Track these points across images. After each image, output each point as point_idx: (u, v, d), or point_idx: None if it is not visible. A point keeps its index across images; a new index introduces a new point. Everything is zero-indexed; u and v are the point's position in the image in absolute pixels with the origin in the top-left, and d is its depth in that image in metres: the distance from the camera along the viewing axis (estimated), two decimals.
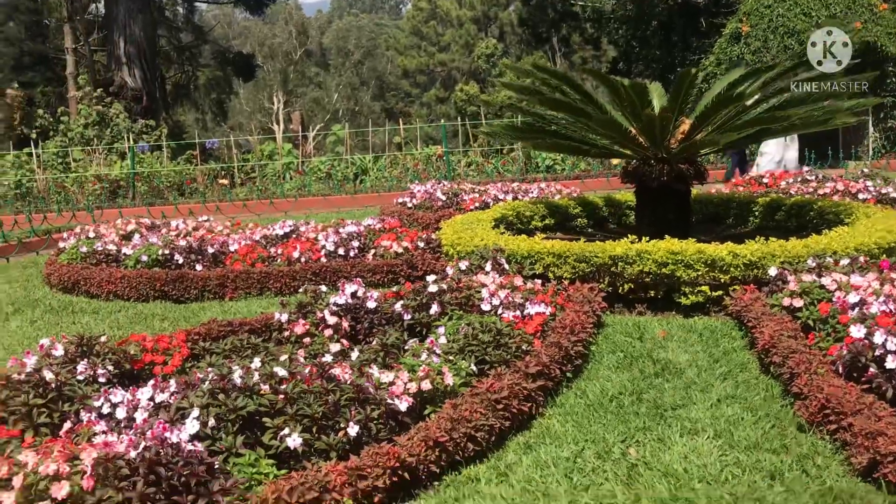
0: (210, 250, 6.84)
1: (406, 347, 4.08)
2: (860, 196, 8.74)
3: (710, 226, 7.71)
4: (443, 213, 9.03)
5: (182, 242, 6.93)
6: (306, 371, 3.50)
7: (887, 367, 3.55)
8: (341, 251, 6.85)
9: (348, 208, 12.76)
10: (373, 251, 6.86)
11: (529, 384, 3.87)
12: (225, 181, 15.38)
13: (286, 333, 4.73)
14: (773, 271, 5.10)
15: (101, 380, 3.88)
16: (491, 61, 64.55)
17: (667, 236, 5.50)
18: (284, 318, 4.77)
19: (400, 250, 6.77)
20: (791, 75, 5.88)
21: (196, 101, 45.75)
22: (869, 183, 9.27)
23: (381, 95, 71.84)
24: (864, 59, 15.64)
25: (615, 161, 16.28)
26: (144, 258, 6.85)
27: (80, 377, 3.79)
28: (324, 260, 6.78)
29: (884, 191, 8.87)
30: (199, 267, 6.70)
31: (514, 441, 3.64)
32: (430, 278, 4.96)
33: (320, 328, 4.70)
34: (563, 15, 48.57)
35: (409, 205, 9.85)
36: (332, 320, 4.68)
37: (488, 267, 5.41)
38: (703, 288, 5.28)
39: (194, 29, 39.56)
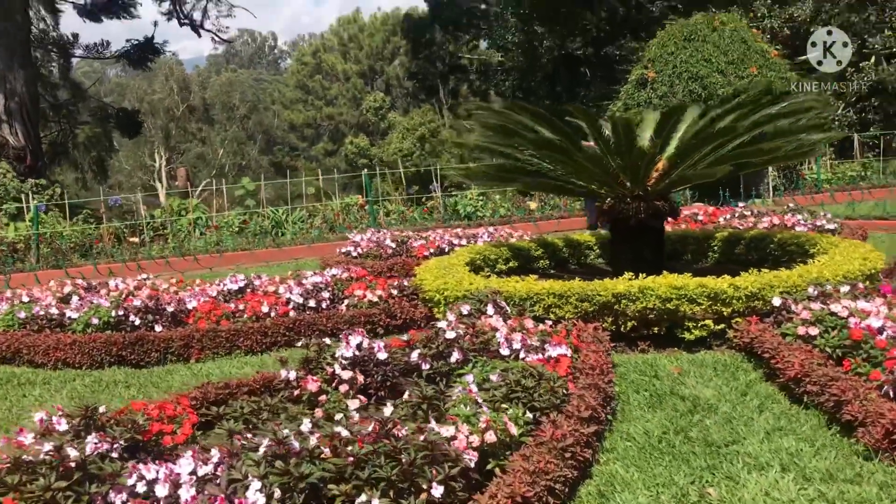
0: (169, 309, 6.33)
1: (453, 397, 3.80)
2: (797, 228, 9.05)
3: (670, 263, 7.75)
4: (394, 262, 8.76)
5: (137, 302, 6.38)
6: (367, 430, 3.18)
7: None
8: (312, 303, 6.48)
9: (277, 261, 12.27)
10: (346, 301, 6.53)
11: (586, 429, 3.66)
12: (135, 239, 14.57)
13: (296, 392, 4.35)
14: (776, 301, 5.12)
15: (114, 454, 3.43)
16: (379, 114, 65.13)
17: (665, 272, 5.46)
18: (293, 375, 4.40)
19: (375, 299, 6.47)
20: (759, 109, 6.00)
21: (76, 160, 43.73)
22: (799, 216, 9.65)
23: (269, 149, 71.06)
24: None
25: (533, 205, 16.51)
26: (95, 321, 6.26)
27: (94, 453, 3.32)
28: (293, 314, 6.39)
29: (818, 223, 9.23)
30: (158, 328, 6.19)
31: (585, 490, 3.43)
32: (442, 324, 4.72)
33: (333, 384, 4.36)
34: (451, 68, 49.75)
35: (354, 254, 9.53)
36: (345, 375, 4.35)
37: (490, 310, 5.21)
38: (707, 322, 5.25)
39: (72, 86, 37.88)
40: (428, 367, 4.45)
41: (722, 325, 5.29)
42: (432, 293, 5.97)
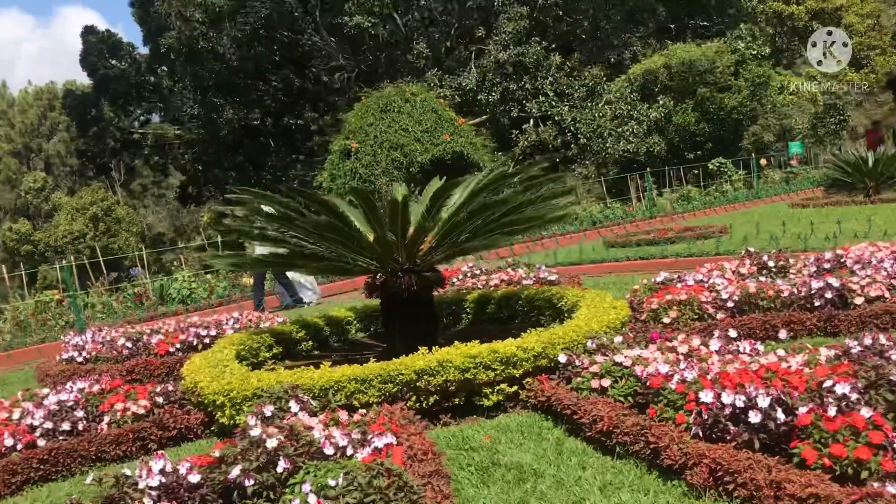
0: None
1: None
2: (524, 282, 9.71)
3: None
4: (134, 363, 7.91)
5: None
6: None
7: (751, 422, 3.99)
8: (65, 426, 5.63)
9: None
10: (106, 418, 5.77)
11: None
12: None
13: None
14: (563, 358, 5.43)
15: None
16: (42, 195, 59.51)
17: (456, 342, 5.54)
18: None
19: (140, 411, 5.79)
20: (507, 179, 6.42)
21: None
22: (521, 270, 10.38)
23: None
24: (454, 164, 17.72)
25: (251, 281, 16.02)
26: None
27: None
28: (42, 442, 5.51)
29: (541, 275, 9.99)
30: None
31: None
32: (255, 431, 4.33)
33: None
34: (124, 143, 47.08)
35: (80, 359, 8.46)
36: None
37: (294, 406, 4.90)
38: (503, 386, 5.41)
39: None
40: (252, 482, 4.06)
41: (515, 388, 5.49)
42: (214, 396, 5.48)
